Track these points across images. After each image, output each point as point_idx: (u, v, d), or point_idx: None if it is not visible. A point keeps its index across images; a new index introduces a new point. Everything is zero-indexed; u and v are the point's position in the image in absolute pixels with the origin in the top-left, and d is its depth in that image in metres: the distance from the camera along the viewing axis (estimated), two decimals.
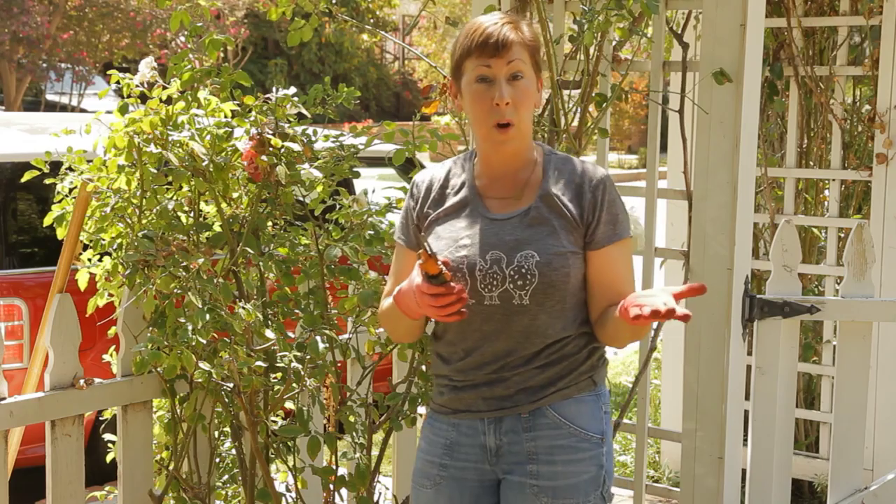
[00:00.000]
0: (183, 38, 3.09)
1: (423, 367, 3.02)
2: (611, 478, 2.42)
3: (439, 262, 2.20)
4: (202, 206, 3.02)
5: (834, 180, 4.79)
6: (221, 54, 3.04)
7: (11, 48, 16.11)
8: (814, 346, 4.81)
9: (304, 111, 2.98)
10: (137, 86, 3.00)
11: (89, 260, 3.07)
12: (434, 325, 2.48)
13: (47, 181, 3.15)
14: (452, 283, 2.22)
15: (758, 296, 3.31)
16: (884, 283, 4.52)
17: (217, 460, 3.16)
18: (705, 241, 3.33)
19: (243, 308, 2.73)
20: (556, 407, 2.37)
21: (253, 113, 2.95)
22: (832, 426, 3.41)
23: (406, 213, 2.50)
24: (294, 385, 2.80)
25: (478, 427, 2.41)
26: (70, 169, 3.08)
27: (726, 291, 3.30)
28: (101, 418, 3.23)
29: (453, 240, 2.38)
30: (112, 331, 3.04)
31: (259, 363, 2.76)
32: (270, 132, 2.88)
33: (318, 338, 2.80)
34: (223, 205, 2.96)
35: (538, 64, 2.42)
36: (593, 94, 3.34)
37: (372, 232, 2.98)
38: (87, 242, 3.06)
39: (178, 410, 3.02)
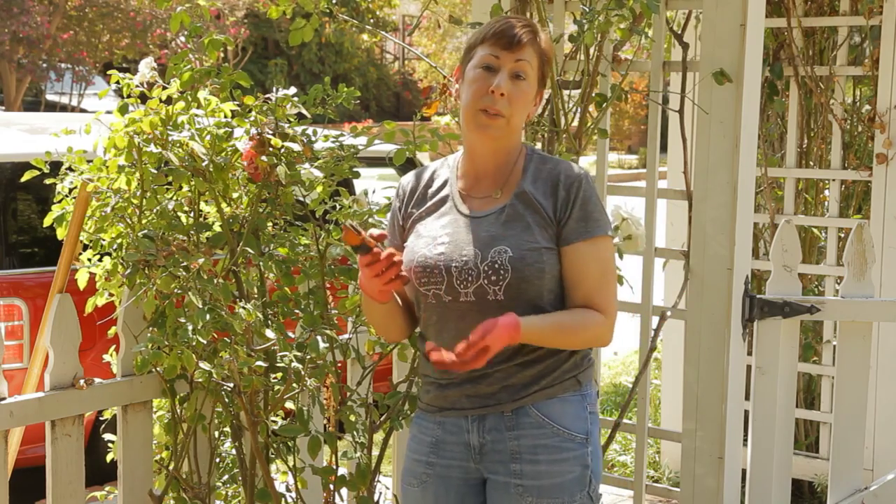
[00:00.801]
0: (183, 38, 3.08)
1: None
2: (598, 478, 2.41)
3: (360, 233, 2.23)
4: (202, 206, 3.02)
5: (834, 180, 4.79)
6: (221, 54, 3.04)
7: (11, 48, 16.09)
8: (814, 346, 4.81)
9: (304, 111, 2.98)
10: (137, 86, 2.99)
11: (89, 260, 3.07)
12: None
13: (47, 181, 3.14)
14: (377, 249, 2.25)
15: (758, 296, 3.31)
16: (884, 283, 4.52)
17: (217, 460, 3.16)
18: (705, 241, 3.33)
19: (243, 308, 2.73)
20: (540, 406, 2.37)
21: (253, 113, 2.95)
22: (832, 426, 3.41)
23: (392, 215, 2.55)
24: (294, 385, 2.80)
25: (462, 425, 2.42)
26: (70, 169, 3.08)
27: (726, 291, 3.30)
28: (101, 418, 3.23)
29: (433, 238, 2.40)
30: (112, 331, 3.03)
31: (259, 363, 2.75)
32: (270, 132, 2.88)
33: (318, 338, 2.80)
34: (223, 205, 2.96)
35: (543, 77, 2.44)
36: (593, 95, 3.34)
37: None
38: (87, 242, 3.06)
39: (178, 410, 3.02)
